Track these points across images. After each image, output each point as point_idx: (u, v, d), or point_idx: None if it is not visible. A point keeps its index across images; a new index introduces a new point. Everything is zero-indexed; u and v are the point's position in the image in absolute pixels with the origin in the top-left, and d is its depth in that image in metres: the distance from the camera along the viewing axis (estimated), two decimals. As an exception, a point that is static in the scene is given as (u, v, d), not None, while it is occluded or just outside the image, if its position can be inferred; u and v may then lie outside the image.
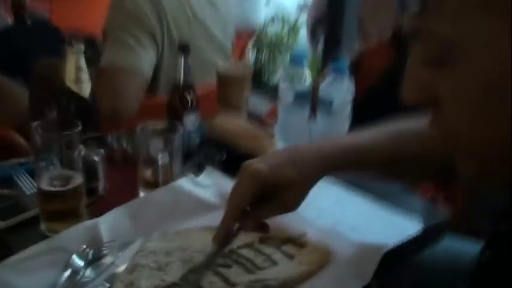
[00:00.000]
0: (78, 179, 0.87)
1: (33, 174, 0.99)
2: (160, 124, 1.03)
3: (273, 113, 1.29)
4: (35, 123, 0.85)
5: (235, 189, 0.77)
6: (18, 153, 1.32)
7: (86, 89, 0.97)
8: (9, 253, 0.91)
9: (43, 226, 0.89)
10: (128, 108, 1.22)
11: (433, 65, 0.49)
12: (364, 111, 1.15)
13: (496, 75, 0.45)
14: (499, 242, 0.61)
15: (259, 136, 1.16)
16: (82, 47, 0.96)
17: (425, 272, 1.05)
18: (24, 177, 1.03)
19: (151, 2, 1.38)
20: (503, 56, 0.44)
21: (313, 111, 1.19)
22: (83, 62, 0.96)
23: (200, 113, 1.13)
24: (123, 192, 0.98)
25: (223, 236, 0.78)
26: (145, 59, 1.29)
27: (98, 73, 1.24)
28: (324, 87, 1.13)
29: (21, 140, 1.46)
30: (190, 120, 1.09)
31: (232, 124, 1.19)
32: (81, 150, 0.86)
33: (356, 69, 1.27)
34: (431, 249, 0.98)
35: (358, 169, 0.84)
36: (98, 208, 0.92)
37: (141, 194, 0.99)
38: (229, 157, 1.12)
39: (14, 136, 1.48)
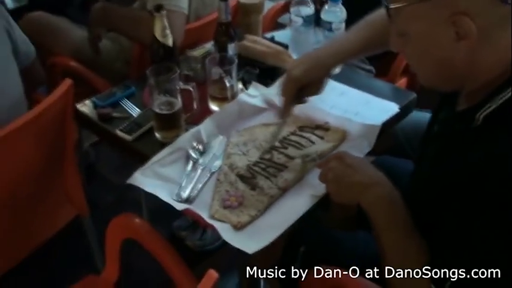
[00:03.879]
0: (178, 104, 1.33)
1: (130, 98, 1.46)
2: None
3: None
4: (149, 68, 1.28)
5: (286, 86, 1.24)
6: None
7: (169, 39, 1.39)
8: (140, 156, 1.37)
9: (158, 135, 1.35)
10: (179, 43, 1.62)
11: (400, 37, 0.95)
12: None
13: (429, 51, 0.91)
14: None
15: (280, 53, 1.60)
16: (164, 12, 1.36)
17: (398, 137, 1.59)
18: (127, 102, 1.47)
19: None
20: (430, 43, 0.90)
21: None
22: (165, 22, 1.36)
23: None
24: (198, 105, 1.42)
25: (287, 112, 1.27)
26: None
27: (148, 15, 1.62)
28: (324, 12, 1.56)
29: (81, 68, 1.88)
30: (232, 48, 1.52)
31: (260, 45, 1.61)
32: (180, 84, 1.31)
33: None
34: (403, 121, 1.50)
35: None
36: (189, 119, 1.39)
37: (211, 106, 1.45)
38: (261, 71, 1.57)
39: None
